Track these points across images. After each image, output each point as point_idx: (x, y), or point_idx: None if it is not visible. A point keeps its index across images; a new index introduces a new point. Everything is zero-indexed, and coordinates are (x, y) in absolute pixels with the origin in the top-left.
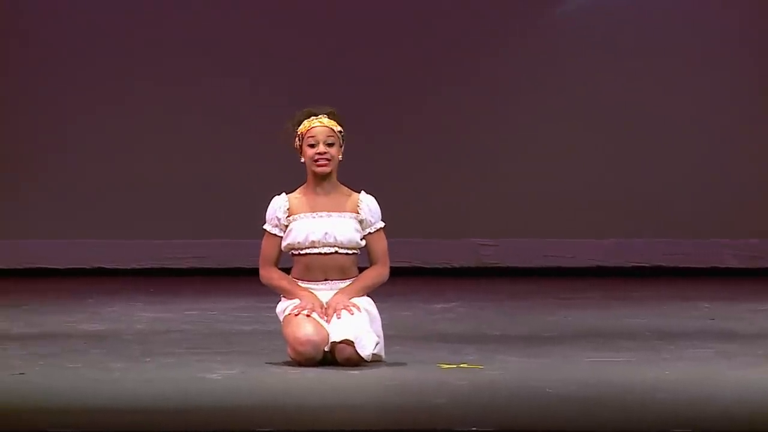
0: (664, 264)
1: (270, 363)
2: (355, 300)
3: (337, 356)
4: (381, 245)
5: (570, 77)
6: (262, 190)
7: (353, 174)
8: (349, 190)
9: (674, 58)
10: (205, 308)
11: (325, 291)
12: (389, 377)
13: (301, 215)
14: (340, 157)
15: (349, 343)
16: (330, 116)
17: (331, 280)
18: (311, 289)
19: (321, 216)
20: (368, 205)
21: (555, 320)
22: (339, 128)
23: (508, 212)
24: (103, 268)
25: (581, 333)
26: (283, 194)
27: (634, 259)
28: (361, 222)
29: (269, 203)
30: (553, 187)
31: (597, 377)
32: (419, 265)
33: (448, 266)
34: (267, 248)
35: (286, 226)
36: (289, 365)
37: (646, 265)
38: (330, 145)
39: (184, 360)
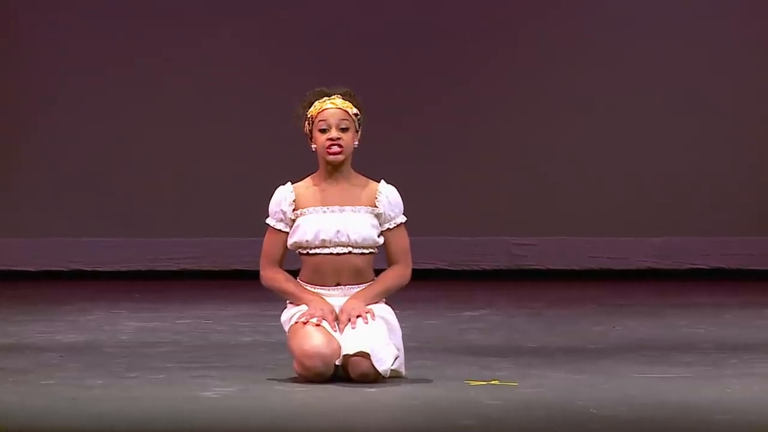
0: (725, 266)
1: (273, 379)
2: (372, 307)
3: (350, 371)
4: (401, 243)
5: (618, 64)
6: (264, 182)
7: (369, 161)
8: (366, 180)
9: (730, 46)
10: (199, 316)
11: (337, 297)
12: (410, 396)
13: (310, 209)
14: (355, 143)
15: (364, 355)
16: (345, 97)
17: (345, 285)
18: (321, 295)
19: (332, 211)
20: (387, 196)
21: (600, 331)
22: (355, 110)
23: (547, 207)
24: (82, 270)
25: (630, 345)
26: (289, 184)
27: (691, 260)
28: (378, 216)
29: (273, 194)
30: (599, 178)
31: (648, 396)
32: (444, 266)
33: (478, 268)
34: (270, 246)
35: (293, 221)
36: (295, 382)
37: (705, 267)
38: (344, 129)
39: (174, 376)
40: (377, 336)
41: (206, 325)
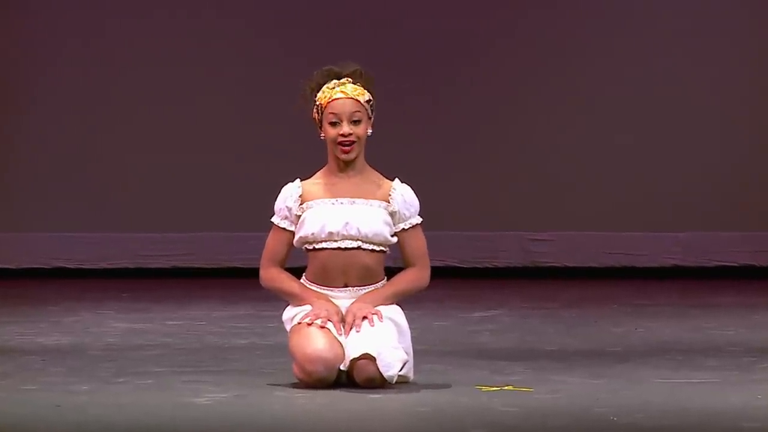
0: (755, 263)
1: (271, 384)
2: (380, 308)
3: (355, 376)
4: (418, 244)
5: (644, 52)
6: (260, 174)
7: (377, 153)
8: (380, 176)
9: (751, 35)
10: (192, 317)
11: (344, 299)
12: (418, 402)
13: (317, 201)
14: (369, 131)
15: (370, 359)
16: (356, 79)
17: (353, 287)
18: (329, 296)
19: (342, 203)
20: (402, 194)
21: (622, 332)
22: (367, 97)
23: (565, 200)
24: (65, 268)
25: (653, 348)
26: (297, 180)
27: (718, 257)
28: (392, 215)
29: (280, 191)
30: (620, 169)
31: (672, 403)
32: (455, 264)
33: (490, 266)
34: (272, 244)
35: (299, 218)
36: (295, 387)
37: (734, 264)
38: (356, 122)
39: (165, 381)
40: (385, 339)
41: (199, 326)
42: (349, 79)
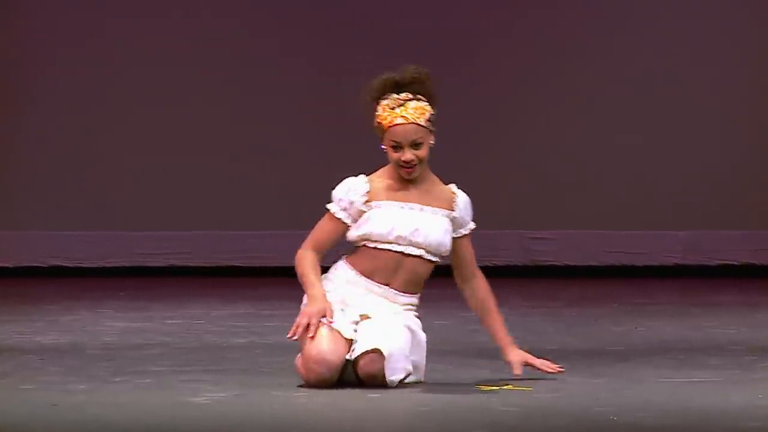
0: (756, 262)
1: (270, 384)
2: (402, 315)
3: (359, 368)
4: (472, 250)
5: (647, 51)
6: (258, 173)
7: (377, 153)
8: (441, 183)
9: (753, 33)
10: (190, 316)
11: (376, 296)
12: (418, 402)
13: (387, 203)
14: (431, 142)
15: (379, 356)
16: (415, 92)
17: (394, 289)
18: (358, 285)
19: (411, 208)
20: (464, 201)
21: (622, 331)
22: (428, 115)
23: (566, 198)
24: (63, 266)
25: (654, 348)
26: (362, 176)
27: (719, 255)
28: (453, 221)
29: (341, 182)
30: (622, 167)
31: (673, 402)
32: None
33: (490, 264)
34: (321, 231)
35: (360, 214)
36: (295, 386)
37: (735, 263)
38: (418, 146)
39: (164, 380)
40: (399, 344)
41: (198, 325)
42: (409, 94)
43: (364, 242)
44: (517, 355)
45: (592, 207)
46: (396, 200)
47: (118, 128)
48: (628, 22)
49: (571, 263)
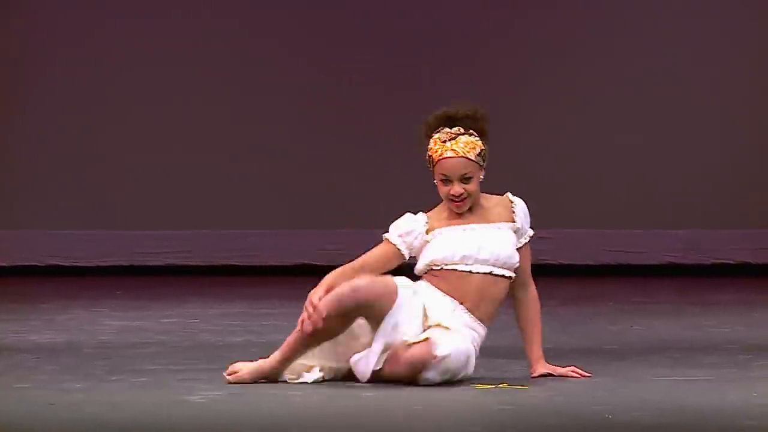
0: (752, 261)
1: (266, 383)
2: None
3: (408, 353)
4: (529, 259)
5: (646, 49)
6: (255, 172)
7: (376, 152)
8: (495, 197)
9: (751, 32)
10: (187, 315)
11: (442, 307)
12: (414, 400)
13: (447, 228)
14: (481, 177)
15: (432, 347)
16: (469, 128)
17: (466, 307)
18: (436, 299)
19: (473, 229)
20: (522, 209)
21: (618, 330)
22: (479, 150)
23: (562, 197)
24: (59, 265)
25: (650, 346)
26: (421, 213)
27: (716, 254)
28: (516, 231)
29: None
30: (617, 166)
31: (669, 401)
32: None
33: None
34: (371, 256)
35: (423, 245)
36: (291, 385)
37: (731, 262)
38: (467, 180)
39: (160, 379)
40: (459, 352)
41: (194, 324)
42: (461, 129)
43: (432, 268)
44: (540, 370)
45: (590, 206)
46: (456, 224)
47: (117, 128)
48: (627, 22)
49: (568, 262)
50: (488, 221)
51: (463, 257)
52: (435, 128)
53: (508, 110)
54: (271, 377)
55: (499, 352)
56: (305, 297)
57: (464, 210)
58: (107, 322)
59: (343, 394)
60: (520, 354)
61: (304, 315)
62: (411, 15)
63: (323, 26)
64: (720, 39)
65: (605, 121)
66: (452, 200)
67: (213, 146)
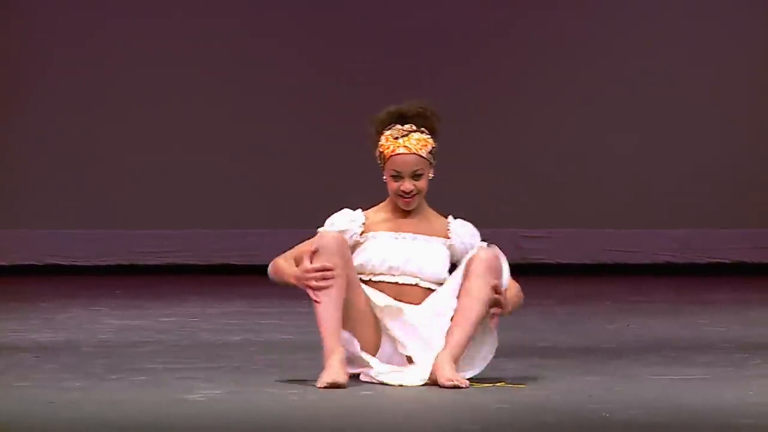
0: (748, 260)
1: (264, 381)
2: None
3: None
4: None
5: (643, 49)
6: (252, 172)
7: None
8: (437, 214)
9: (749, 30)
10: (186, 314)
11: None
12: (411, 399)
13: (381, 233)
14: (431, 176)
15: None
16: (420, 125)
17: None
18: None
19: (404, 238)
20: (458, 225)
21: (615, 329)
22: (430, 147)
23: (559, 197)
24: (59, 264)
25: (647, 345)
26: (359, 210)
27: (712, 253)
28: (451, 248)
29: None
30: (614, 166)
31: (665, 399)
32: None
33: None
34: (301, 251)
35: (356, 245)
36: (288, 383)
37: (727, 261)
38: (418, 176)
39: (158, 377)
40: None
41: (192, 323)
42: (413, 126)
43: (360, 275)
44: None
45: (586, 206)
46: (390, 230)
47: (117, 128)
48: (625, 22)
49: (565, 261)
50: (422, 232)
51: (390, 268)
52: (386, 125)
53: (507, 110)
54: (350, 361)
55: (496, 352)
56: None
57: (412, 207)
58: (107, 321)
59: (341, 393)
60: (518, 352)
61: (311, 284)
62: (411, 15)
63: (323, 26)
64: (715, 39)
65: (603, 121)
66: (401, 196)
67: (213, 146)
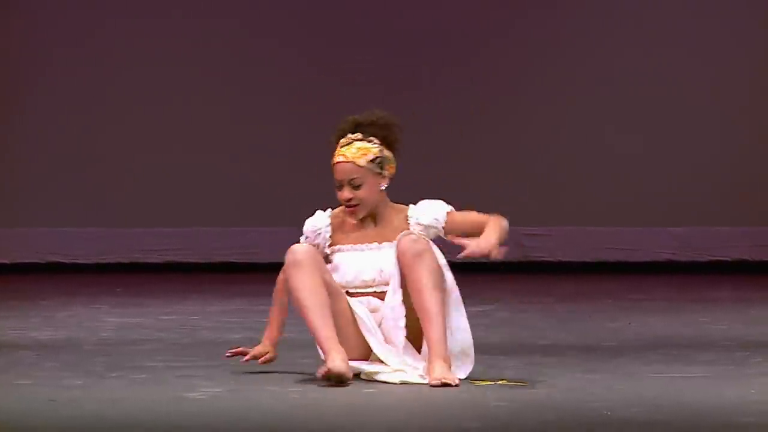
0: (749, 258)
1: (264, 379)
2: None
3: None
4: (468, 216)
5: (643, 46)
6: (253, 170)
7: None
8: (399, 207)
9: (750, 28)
10: (186, 312)
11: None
12: (411, 397)
13: (347, 246)
14: (382, 186)
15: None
16: (368, 134)
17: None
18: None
19: (370, 248)
20: (414, 209)
21: (616, 327)
22: (371, 156)
23: (560, 195)
24: (59, 262)
25: (648, 343)
26: (329, 211)
27: (712, 251)
28: (426, 230)
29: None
30: (614, 164)
31: (666, 397)
32: (448, 258)
33: (485, 260)
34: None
35: (326, 256)
36: (288, 382)
37: (728, 259)
38: (357, 186)
39: (159, 376)
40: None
41: (193, 321)
42: (360, 135)
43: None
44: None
45: (587, 204)
46: (354, 242)
47: (117, 127)
48: (624, 22)
49: (566, 259)
50: (386, 238)
51: (364, 282)
52: (343, 133)
53: (507, 110)
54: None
55: (497, 349)
56: None
57: (358, 217)
58: (107, 319)
59: (342, 390)
60: (518, 350)
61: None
62: (411, 15)
63: (323, 26)
64: (715, 39)
65: (603, 120)
66: (345, 205)
67: (213, 145)
